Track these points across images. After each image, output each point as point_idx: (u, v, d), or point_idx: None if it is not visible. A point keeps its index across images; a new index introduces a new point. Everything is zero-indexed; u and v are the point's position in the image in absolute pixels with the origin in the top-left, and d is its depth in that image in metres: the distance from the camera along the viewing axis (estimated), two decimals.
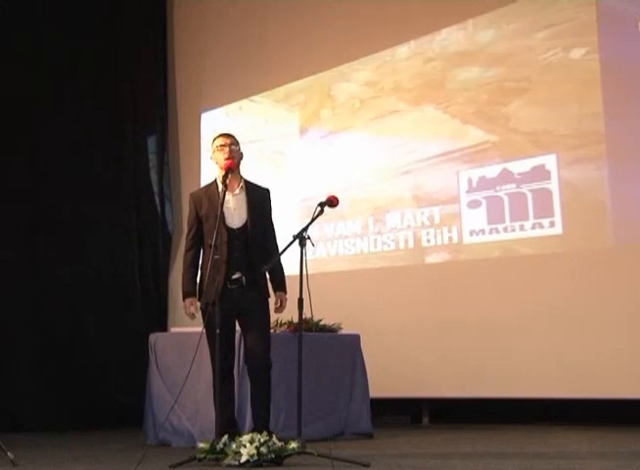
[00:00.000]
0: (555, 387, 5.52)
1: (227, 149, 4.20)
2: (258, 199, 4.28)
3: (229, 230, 4.13)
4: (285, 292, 4.28)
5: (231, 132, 4.40)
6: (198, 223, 4.25)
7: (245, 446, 3.63)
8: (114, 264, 7.20)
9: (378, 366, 5.49)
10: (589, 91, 5.58)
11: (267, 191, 4.38)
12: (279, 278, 4.29)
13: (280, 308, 4.28)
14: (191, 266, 4.27)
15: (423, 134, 6.41)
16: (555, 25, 5.82)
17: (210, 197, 4.21)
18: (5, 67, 6.75)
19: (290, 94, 7.29)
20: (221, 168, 4.19)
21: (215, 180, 4.29)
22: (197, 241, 4.26)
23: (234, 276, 4.11)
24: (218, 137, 4.30)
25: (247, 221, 4.19)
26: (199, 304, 4.20)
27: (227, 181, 4.07)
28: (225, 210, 4.12)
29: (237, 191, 4.23)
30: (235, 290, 4.11)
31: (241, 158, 4.31)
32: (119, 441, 5.34)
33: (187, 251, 4.31)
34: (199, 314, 4.20)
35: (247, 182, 4.30)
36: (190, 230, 4.30)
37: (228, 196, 4.16)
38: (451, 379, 5.95)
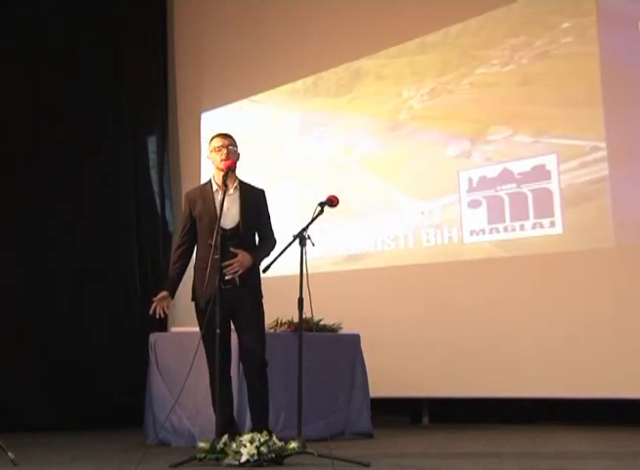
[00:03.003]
0: (555, 387, 5.52)
1: (225, 150, 4.21)
2: (252, 199, 4.27)
3: (222, 230, 4.13)
4: (252, 257, 4.13)
5: (230, 132, 4.40)
6: (190, 222, 4.27)
7: (245, 446, 3.63)
8: (114, 264, 7.20)
9: (378, 366, 5.49)
10: (589, 91, 5.58)
11: (262, 191, 4.36)
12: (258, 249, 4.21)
13: (230, 265, 4.08)
14: (176, 262, 4.31)
15: (423, 133, 6.40)
16: (555, 25, 5.81)
17: (205, 197, 4.22)
18: (5, 66, 6.75)
19: (290, 94, 7.29)
20: (219, 169, 4.20)
21: (210, 180, 4.31)
22: (187, 239, 4.29)
23: (227, 277, 4.11)
24: (216, 137, 4.31)
25: (239, 222, 4.19)
26: (169, 300, 4.27)
27: (227, 181, 4.09)
28: (219, 210, 4.13)
29: (231, 191, 4.22)
30: (229, 290, 4.10)
31: (237, 158, 4.31)
32: (119, 441, 5.34)
33: (177, 248, 4.34)
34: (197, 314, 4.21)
35: (241, 183, 4.30)
36: (182, 229, 4.32)
37: (221, 196, 4.14)
38: (451, 379, 5.95)
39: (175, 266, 4.31)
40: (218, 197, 4.14)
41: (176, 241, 4.41)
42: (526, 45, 5.95)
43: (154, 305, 4.27)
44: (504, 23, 6.08)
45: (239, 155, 4.32)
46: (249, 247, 4.18)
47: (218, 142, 4.25)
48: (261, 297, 4.24)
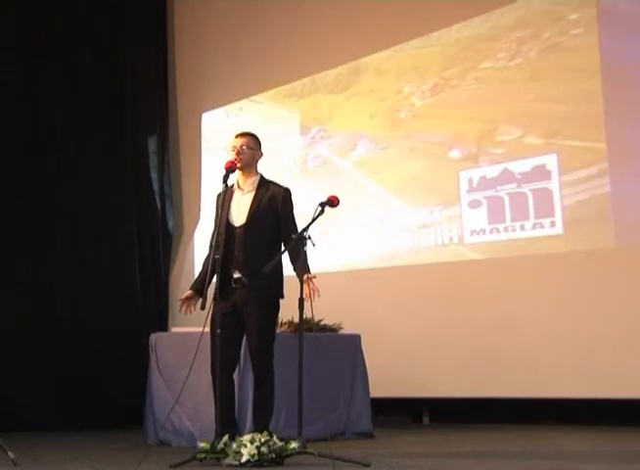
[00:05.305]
0: (555, 387, 5.51)
1: (234, 151, 4.25)
2: (268, 198, 4.26)
3: (231, 228, 4.18)
4: (302, 272, 3.99)
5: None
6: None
7: (245, 446, 3.64)
8: (115, 264, 7.19)
9: (378, 366, 5.49)
10: (589, 91, 5.57)
11: (285, 190, 4.34)
12: (294, 259, 4.09)
13: (308, 293, 4.00)
14: (204, 264, 4.39)
15: (423, 134, 6.39)
16: (555, 25, 5.80)
17: (225, 197, 4.26)
18: (5, 67, 6.75)
19: (290, 94, 7.28)
20: None
21: (236, 180, 4.36)
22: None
23: (235, 276, 4.13)
24: (234, 137, 4.35)
25: (246, 221, 4.20)
26: (196, 298, 4.27)
27: (227, 180, 4.11)
28: (232, 208, 4.22)
29: (246, 190, 4.27)
30: (238, 290, 4.13)
31: (258, 157, 4.35)
32: (119, 441, 5.34)
33: (209, 249, 4.36)
34: (199, 313, 4.20)
35: (262, 182, 4.32)
36: (214, 229, 4.35)
37: (237, 195, 4.26)
38: (451, 379, 5.95)
39: (204, 264, 4.38)
40: (233, 196, 4.25)
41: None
42: (534, 37, 5.87)
43: (180, 303, 4.33)
44: (509, 15, 6.01)
45: (261, 154, 4.37)
46: (254, 245, 4.17)
47: (232, 142, 4.33)
48: (274, 297, 4.22)
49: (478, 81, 6.14)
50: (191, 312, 4.32)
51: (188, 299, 4.32)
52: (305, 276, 4.05)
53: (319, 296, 4.05)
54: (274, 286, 4.21)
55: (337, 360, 5.19)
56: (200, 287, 4.25)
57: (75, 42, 7.29)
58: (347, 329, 5.37)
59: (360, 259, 6.65)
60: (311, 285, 4.06)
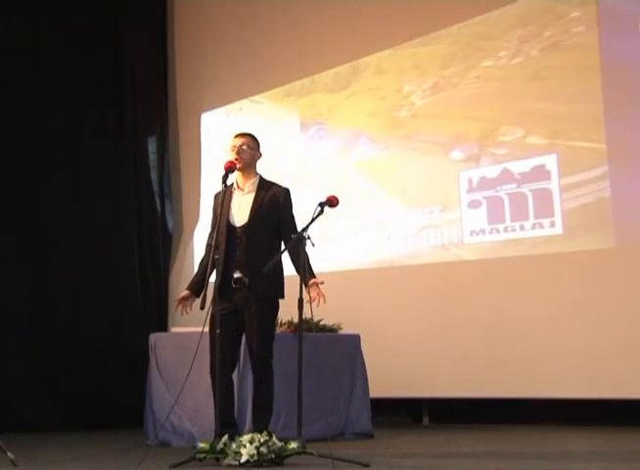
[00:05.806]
0: (555, 387, 5.51)
1: (234, 151, 4.26)
2: (269, 198, 4.28)
3: (232, 229, 4.18)
4: (307, 278, 4.02)
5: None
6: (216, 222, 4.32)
7: (245, 446, 3.64)
8: (114, 264, 7.20)
9: (378, 366, 5.49)
10: (589, 91, 5.56)
11: (285, 191, 4.36)
12: (294, 259, 4.11)
13: (313, 298, 4.03)
14: (202, 261, 4.40)
15: (423, 134, 6.38)
16: (554, 26, 5.80)
17: (224, 197, 4.27)
18: (5, 67, 6.75)
19: (290, 94, 7.28)
20: None
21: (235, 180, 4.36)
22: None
23: (235, 275, 4.14)
24: (233, 137, 4.36)
25: (248, 222, 4.21)
26: (193, 299, 4.30)
27: (226, 180, 4.13)
28: (232, 209, 4.22)
29: (246, 190, 4.28)
30: (238, 290, 4.13)
31: (257, 157, 4.36)
32: (119, 441, 5.34)
33: (205, 249, 4.38)
34: (199, 314, 4.21)
35: (262, 182, 4.33)
36: (211, 228, 4.36)
37: (237, 195, 4.26)
38: (451, 379, 5.95)
39: (201, 265, 4.39)
40: (233, 196, 4.25)
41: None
42: (535, 36, 5.83)
43: (176, 304, 4.34)
44: (510, 13, 5.97)
45: (260, 154, 4.38)
46: (256, 245, 4.18)
47: (232, 142, 4.33)
48: (274, 298, 4.24)
49: (479, 80, 6.12)
50: (187, 313, 4.33)
51: (184, 299, 4.33)
52: (312, 281, 4.07)
53: (325, 302, 4.06)
54: (274, 286, 4.23)
55: (336, 361, 5.19)
56: (197, 287, 4.27)
57: (76, 42, 7.29)
58: (347, 329, 5.37)
59: (360, 260, 6.64)
60: (318, 290, 4.08)
